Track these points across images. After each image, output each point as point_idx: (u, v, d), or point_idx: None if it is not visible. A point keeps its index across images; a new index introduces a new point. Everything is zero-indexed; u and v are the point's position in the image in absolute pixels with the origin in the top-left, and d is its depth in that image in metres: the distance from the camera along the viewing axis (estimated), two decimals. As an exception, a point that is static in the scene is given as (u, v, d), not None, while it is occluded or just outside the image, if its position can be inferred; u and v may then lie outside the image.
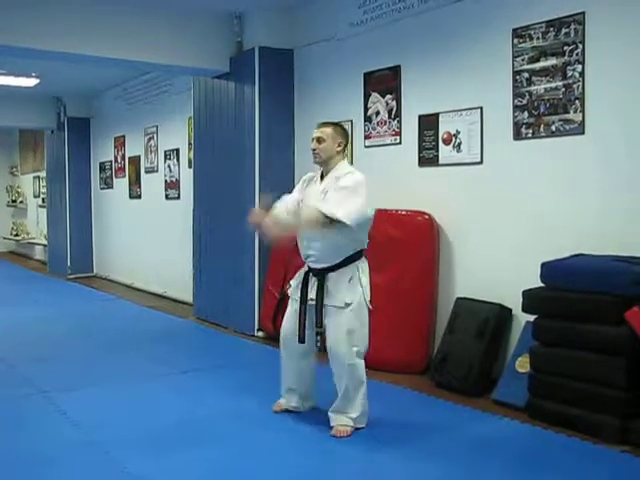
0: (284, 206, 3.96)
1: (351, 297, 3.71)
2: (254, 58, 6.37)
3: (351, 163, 5.83)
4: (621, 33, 3.97)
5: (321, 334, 3.77)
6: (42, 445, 3.64)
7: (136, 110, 9.90)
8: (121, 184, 10.64)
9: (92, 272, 11.57)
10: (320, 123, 3.97)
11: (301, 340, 3.81)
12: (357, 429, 3.77)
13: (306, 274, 3.86)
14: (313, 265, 3.82)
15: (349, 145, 5.84)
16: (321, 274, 3.77)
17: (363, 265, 3.80)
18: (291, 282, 4.01)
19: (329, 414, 3.82)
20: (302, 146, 6.47)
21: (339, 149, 3.84)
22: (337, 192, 3.66)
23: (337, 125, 3.98)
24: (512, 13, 4.54)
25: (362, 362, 3.78)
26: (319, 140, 3.82)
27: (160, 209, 9.29)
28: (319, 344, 3.80)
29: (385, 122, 5.55)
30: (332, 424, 3.78)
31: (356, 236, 3.73)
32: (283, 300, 5.95)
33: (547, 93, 4.35)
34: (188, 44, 6.43)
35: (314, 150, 3.84)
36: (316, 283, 3.78)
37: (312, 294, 3.78)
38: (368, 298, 3.77)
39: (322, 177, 3.88)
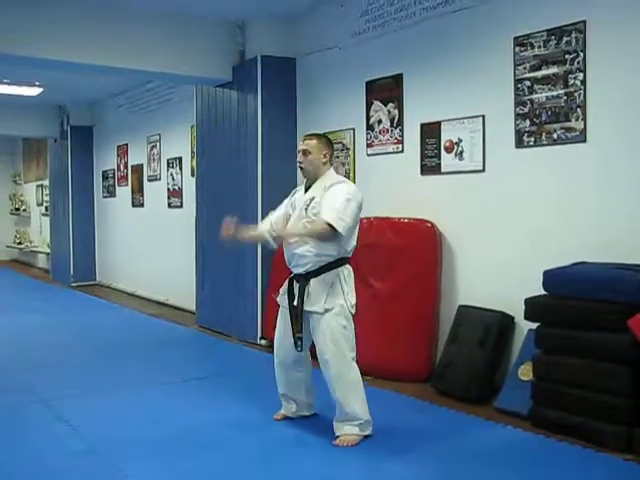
0: (269, 221, 4.07)
1: (332, 302, 3.70)
2: (256, 67, 6.39)
3: (353, 171, 5.87)
4: (622, 41, 3.98)
5: (301, 339, 3.79)
6: (43, 453, 3.64)
7: (139, 119, 9.93)
8: (124, 192, 10.66)
9: (95, 280, 11.58)
10: (305, 135, 4.04)
11: (297, 345, 3.84)
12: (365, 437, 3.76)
13: (290, 280, 3.90)
14: (296, 270, 3.84)
15: (351, 154, 5.90)
16: (303, 279, 3.79)
17: (346, 272, 3.79)
18: (280, 290, 4.01)
19: (334, 423, 3.81)
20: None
21: (325, 160, 3.87)
22: (330, 198, 3.69)
23: (321, 136, 4.03)
24: (514, 22, 4.56)
25: (352, 366, 3.75)
26: (304, 153, 3.85)
27: (163, 217, 9.31)
28: (300, 348, 3.82)
29: (387, 130, 5.56)
30: (337, 434, 3.76)
31: (341, 243, 3.73)
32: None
33: (549, 101, 4.36)
34: (191, 53, 6.45)
35: (300, 163, 3.89)
36: (298, 288, 3.80)
37: (295, 300, 3.82)
38: (351, 303, 3.77)
39: (307, 189, 3.92)
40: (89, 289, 10.88)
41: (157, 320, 7.96)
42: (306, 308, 3.76)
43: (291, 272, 3.93)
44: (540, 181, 4.44)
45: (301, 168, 3.91)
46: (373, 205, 5.47)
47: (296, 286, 3.84)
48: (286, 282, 3.94)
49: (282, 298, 3.95)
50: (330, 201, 3.68)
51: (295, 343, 3.81)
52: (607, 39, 4.04)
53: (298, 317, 3.78)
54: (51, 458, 3.57)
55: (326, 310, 3.70)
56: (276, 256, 6.20)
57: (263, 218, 6.23)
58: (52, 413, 4.32)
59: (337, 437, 3.74)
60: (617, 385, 3.57)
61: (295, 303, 3.80)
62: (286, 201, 4.09)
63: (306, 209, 3.80)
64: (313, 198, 3.79)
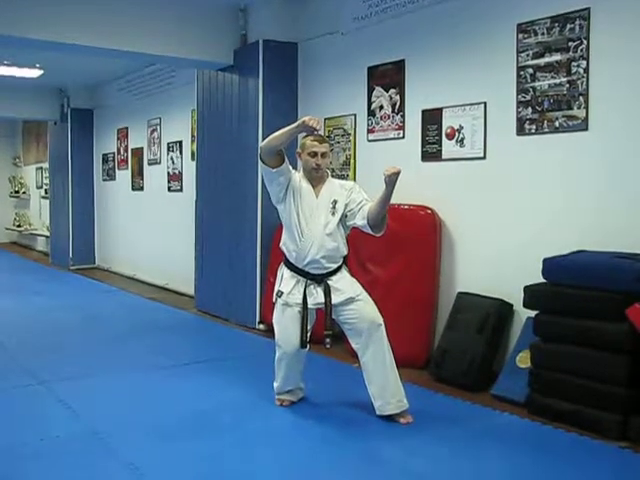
0: None
1: (356, 290, 3.93)
2: (258, 51, 6.36)
3: (354, 157, 5.89)
4: (626, 29, 3.96)
5: (331, 336, 3.89)
6: (44, 435, 3.64)
7: (139, 102, 9.90)
8: (124, 176, 10.65)
9: (94, 263, 11.59)
10: (318, 137, 4.01)
11: (304, 345, 3.92)
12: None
13: (305, 281, 3.94)
14: (315, 272, 3.92)
15: (352, 139, 5.90)
16: (323, 279, 3.91)
17: (347, 267, 4.08)
18: (281, 289, 4.00)
19: (380, 403, 3.85)
20: (305, 140, 6.48)
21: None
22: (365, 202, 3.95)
23: (327, 140, 4.20)
24: (517, 8, 4.53)
25: None
26: (324, 155, 3.95)
27: (162, 201, 9.30)
28: (329, 346, 3.90)
29: (388, 116, 5.55)
30: (389, 412, 3.84)
31: (345, 241, 4.03)
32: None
33: (551, 89, 4.34)
34: (192, 36, 6.42)
35: (319, 166, 3.93)
36: (321, 288, 3.90)
37: (319, 299, 3.90)
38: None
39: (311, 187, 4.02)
40: (88, 272, 10.89)
41: (156, 304, 7.97)
42: (337, 301, 3.87)
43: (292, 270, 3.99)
44: (541, 169, 4.44)
45: (318, 169, 3.94)
46: (373, 191, 5.43)
47: (313, 286, 3.91)
48: (294, 281, 3.95)
49: (291, 297, 3.94)
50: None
51: (324, 341, 3.89)
52: (611, 27, 4.02)
53: (329, 315, 3.88)
54: (51, 440, 3.58)
55: (357, 295, 3.92)
56: (275, 241, 6.21)
57: (263, 204, 6.34)
58: (52, 396, 4.34)
59: (392, 416, 3.84)
60: (614, 373, 3.58)
61: (322, 301, 3.88)
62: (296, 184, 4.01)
63: (333, 213, 3.93)
64: (336, 201, 3.94)
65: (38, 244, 14.59)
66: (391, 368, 3.87)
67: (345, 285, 3.92)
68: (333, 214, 3.93)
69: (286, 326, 3.97)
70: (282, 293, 3.98)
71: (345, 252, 4.00)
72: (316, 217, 3.92)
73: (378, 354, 3.86)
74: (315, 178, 3.98)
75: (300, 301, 3.91)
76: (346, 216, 3.95)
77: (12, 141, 16.24)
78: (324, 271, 3.91)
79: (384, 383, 3.85)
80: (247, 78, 6.53)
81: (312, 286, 3.92)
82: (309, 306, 3.91)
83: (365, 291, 3.97)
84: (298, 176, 4.01)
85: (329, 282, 3.90)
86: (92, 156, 11.65)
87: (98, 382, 4.66)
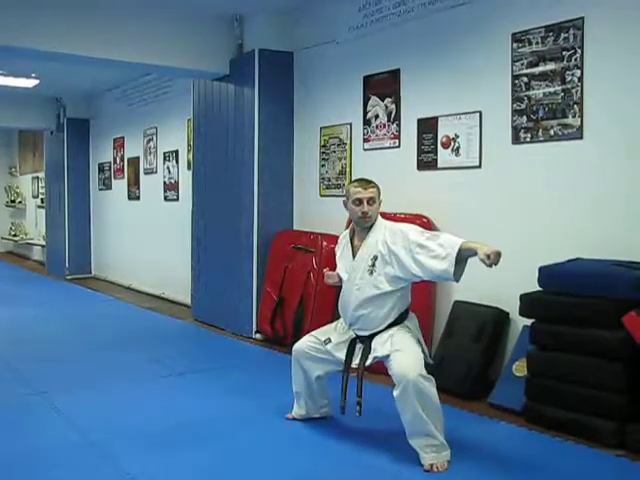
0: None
1: (396, 345, 3.49)
2: (254, 60, 6.38)
3: (350, 166, 5.89)
4: (620, 38, 3.98)
5: (361, 404, 3.54)
6: (40, 446, 3.64)
7: (135, 111, 9.91)
8: (120, 185, 10.64)
9: (90, 273, 11.57)
10: (363, 181, 3.65)
11: (343, 411, 3.61)
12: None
13: (352, 341, 3.65)
14: (359, 332, 3.64)
15: (348, 148, 5.90)
16: (367, 340, 3.60)
17: (410, 323, 3.68)
18: (330, 337, 3.72)
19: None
20: (301, 149, 6.49)
21: (380, 207, 3.65)
22: (423, 243, 3.47)
23: (374, 182, 3.68)
24: (511, 18, 4.55)
25: None
26: (370, 202, 3.54)
27: (159, 211, 9.30)
28: (359, 414, 3.55)
29: (384, 125, 5.56)
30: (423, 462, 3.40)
31: (406, 292, 3.64)
32: (281, 303, 5.96)
33: (546, 97, 4.36)
34: (188, 46, 6.44)
35: (366, 214, 3.54)
36: (361, 350, 3.60)
37: (356, 360, 3.60)
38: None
39: (353, 239, 3.69)
40: (84, 282, 10.87)
41: (152, 313, 7.96)
42: (376, 356, 3.60)
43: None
44: (536, 178, 4.45)
45: (365, 217, 3.56)
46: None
47: (358, 346, 3.65)
48: (342, 334, 3.72)
49: (334, 348, 3.69)
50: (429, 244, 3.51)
51: (356, 408, 3.55)
52: (605, 36, 4.04)
53: (360, 379, 3.58)
54: (48, 450, 3.57)
55: (396, 350, 3.56)
56: (272, 248, 6.21)
57: (259, 213, 6.35)
58: (48, 405, 4.32)
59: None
60: (610, 381, 3.58)
61: (357, 363, 3.61)
62: (338, 253, 3.84)
63: (371, 272, 3.53)
64: (376, 257, 3.52)
65: (34, 254, 14.56)
66: (424, 421, 3.34)
67: (385, 342, 3.51)
68: (371, 273, 3.52)
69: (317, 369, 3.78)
70: (330, 341, 3.70)
71: (395, 310, 3.59)
72: (353, 280, 3.60)
73: (408, 409, 3.39)
74: (364, 228, 3.60)
75: (342, 360, 3.63)
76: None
77: (8, 151, 16.23)
78: (368, 332, 3.59)
79: (411, 434, 3.43)
80: (243, 87, 6.55)
81: (357, 345, 3.62)
82: (351, 365, 3.61)
83: (415, 338, 3.61)
84: (344, 237, 3.79)
85: (373, 341, 3.56)
86: (88, 165, 11.64)
87: (95, 392, 4.65)
